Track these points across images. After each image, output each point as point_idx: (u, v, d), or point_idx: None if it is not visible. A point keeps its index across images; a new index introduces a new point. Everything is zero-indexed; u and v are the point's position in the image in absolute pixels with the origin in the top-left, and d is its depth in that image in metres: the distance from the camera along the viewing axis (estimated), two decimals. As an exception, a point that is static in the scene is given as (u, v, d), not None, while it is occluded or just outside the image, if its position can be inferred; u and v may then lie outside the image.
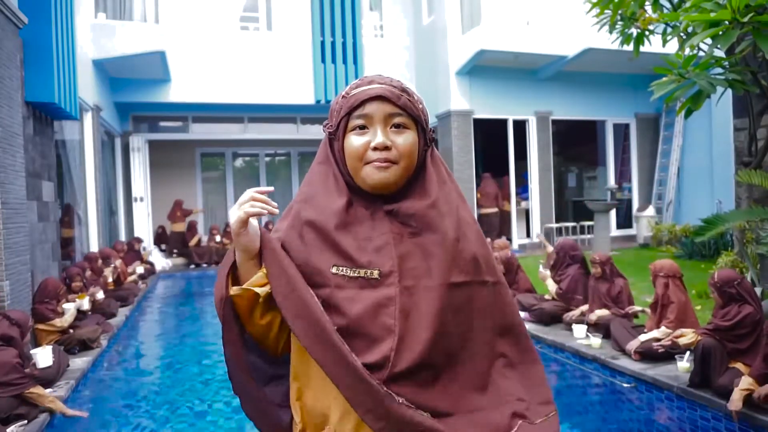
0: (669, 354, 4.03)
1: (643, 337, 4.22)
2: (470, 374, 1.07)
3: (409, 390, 1.01)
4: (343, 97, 1.11)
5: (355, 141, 1.08)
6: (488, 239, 11.43)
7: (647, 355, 4.15)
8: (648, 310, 4.53)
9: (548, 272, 5.64)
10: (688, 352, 3.88)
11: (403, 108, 1.08)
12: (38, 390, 3.51)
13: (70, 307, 5.04)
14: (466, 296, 1.08)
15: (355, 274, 1.05)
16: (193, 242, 11.50)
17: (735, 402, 3.11)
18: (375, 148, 1.06)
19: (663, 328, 4.14)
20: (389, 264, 1.05)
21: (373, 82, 1.10)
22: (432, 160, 1.14)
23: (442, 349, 1.04)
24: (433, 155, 1.15)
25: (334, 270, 1.05)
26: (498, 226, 11.09)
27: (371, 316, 1.02)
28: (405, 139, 1.08)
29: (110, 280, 7.29)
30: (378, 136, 1.06)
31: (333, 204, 1.09)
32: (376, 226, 1.08)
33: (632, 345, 4.23)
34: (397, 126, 1.08)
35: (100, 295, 6.33)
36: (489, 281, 1.12)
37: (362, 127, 1.08)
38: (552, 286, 5.52)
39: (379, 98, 1.07)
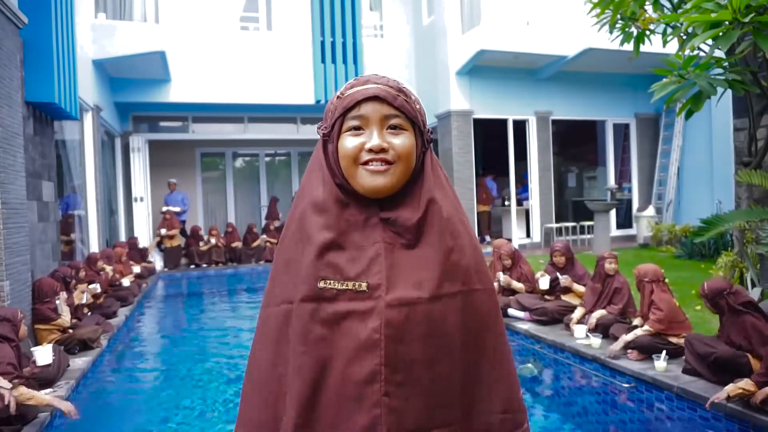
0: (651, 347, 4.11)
1: (629, 337, 4.24)
2: (446, 381, 1.04)
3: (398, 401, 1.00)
4: (338, 97, 1.08)
5: (349, 142, 1.04)
6: (487, 237, 11.62)
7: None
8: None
9: (548, 279, 5.67)
10: (664, 352, 3.97)
11: (400, 109, 1.05)
12: (28, 392, 3.32)
13: (57, 303, 4.97)
14: (454, 306, 1.05)
15: (343, 287, 1.02)
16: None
17: (725, 391, 3.14)
18: (370, 150, 1.03)
19: (646, 327, 4.22)
20: (378, 276, 1.02)
21: (368, 82, 1.06)
22: (431, 164, 1.11)
23: (428, 361, 1.02)
24: (432, 159, 1.12)
25: (321, 284, 1.03)
26: (488, 223, 12.24)
27: (357, 328, 1.00)
28: (402, 141, 1.04)
29: (111, 274, 7.31)
30: (374, 138, 1.03)
31: (323, 215, 1.06)
32: (368, 234, 1.05)
33: (614, 347, 4.29)
34: (394, 127, 1.05)
35: (98, 288, 6.33)
36: (479, 289, 1.09)
37: (357, 128, 1.05)
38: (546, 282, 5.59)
39: (375, 99, 1.04)
